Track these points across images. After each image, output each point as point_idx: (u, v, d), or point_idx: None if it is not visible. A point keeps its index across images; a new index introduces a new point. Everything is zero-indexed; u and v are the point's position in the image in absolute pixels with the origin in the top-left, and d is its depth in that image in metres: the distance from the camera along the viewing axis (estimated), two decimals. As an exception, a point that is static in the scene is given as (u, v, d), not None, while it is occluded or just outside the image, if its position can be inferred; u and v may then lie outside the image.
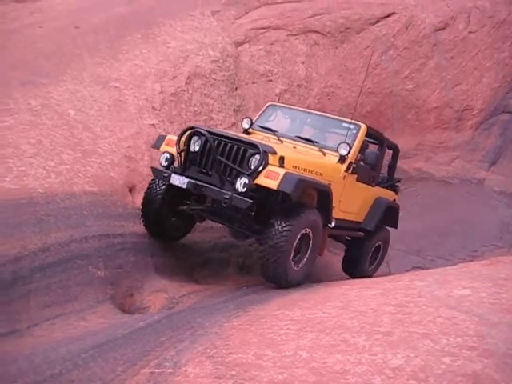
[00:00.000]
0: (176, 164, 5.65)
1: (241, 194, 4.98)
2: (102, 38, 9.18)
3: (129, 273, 5.20)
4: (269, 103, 7.27)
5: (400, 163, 8.94)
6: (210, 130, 5.53)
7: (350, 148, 6.05)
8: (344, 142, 6.06)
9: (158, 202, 5.79)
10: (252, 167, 5.11)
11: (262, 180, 5.02)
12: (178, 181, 5.30)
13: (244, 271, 6.92)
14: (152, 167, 5.78)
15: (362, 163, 6.48)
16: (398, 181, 8.01)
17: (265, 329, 3.71)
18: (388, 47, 11.38)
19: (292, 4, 11.47)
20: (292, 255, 5.19)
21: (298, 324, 3.71)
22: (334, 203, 5.83)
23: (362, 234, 7.02)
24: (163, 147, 5.76)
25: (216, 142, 5.34)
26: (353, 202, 6.55)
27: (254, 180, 5.01)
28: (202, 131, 5.38)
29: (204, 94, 8.65)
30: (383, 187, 7.47)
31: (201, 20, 10.18)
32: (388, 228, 7.64)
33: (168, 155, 5.60)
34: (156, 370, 3.24)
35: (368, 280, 5.82)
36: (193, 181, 5.25)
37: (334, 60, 10.89)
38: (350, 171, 6.17)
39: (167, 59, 8.63)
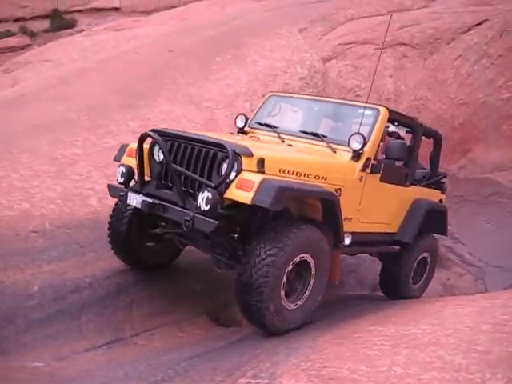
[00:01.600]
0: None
1: (205, 213, 3.78)
2: (194, 59, 9.59)
3: (224, 287, 5.35)
4: (270, 93, 6.00)
5: (494, 175, 8.61)
6: (170, 132, 4.42)
7: (365, 140, 4.63)
8: (357, 133, 4.64)
9: (124, 226, 4.76)
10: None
11: (232, 192, 3.82)
12: (135, 200, 4.25)
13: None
14: (108, 185, 4.70)
15: (385, 158, 5.16)
16: (444, 176, 6.59)
17: (359, 344, 3.71)
18: (480, 56, 11.03)
19: (379, 17, 11.43)
20: (283, 291, 3.97)
21: (392, 340, 3.68)
22: (349, 214, 4.68)
23: (398, 247, 5.64)
24: (124, 159, 4.63)
25: (179, 145, 4.25)
26: (379, 209, 5.22)
27: (224, 193, 3.84)
28: (151, 134, 4.24)
29: (293, 110, 8.78)
30: (424, 186, 6.07)
31: (288, 38, 10.39)
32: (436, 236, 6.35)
33: (124, 169, 4.46)
34: (252, 381, 3.33)
35: (463, 297, 5.63)
36: (149, 199, 4.17)
37: (423, 72, 10.71)
38: (368, 170, 4.80)
39: (256, 78, 8.88)
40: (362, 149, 4.67)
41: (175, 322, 4.73)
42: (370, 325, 4.20)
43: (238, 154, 3.90)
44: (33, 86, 10.36)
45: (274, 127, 5.33)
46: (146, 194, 4.27)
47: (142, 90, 8.62)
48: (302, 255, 4.04)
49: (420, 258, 6.00)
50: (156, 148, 4.40)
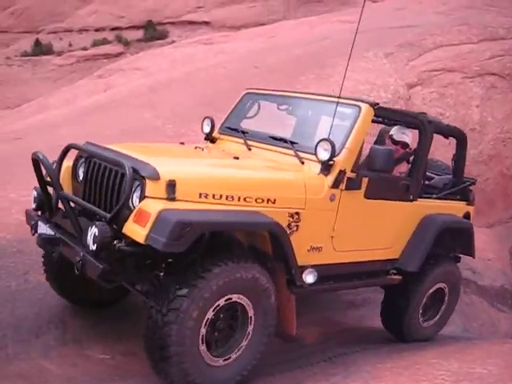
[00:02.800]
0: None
1: (92, 253, 3.04)
2: (278, 77, 9.74)
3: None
4: (245, 91, 4.97)
5: None
6: (80, 146, 3.64)
7: (334, 147, 3.66)
8: (324, 139, 3.72)
9: (57, 254, 3.87)
10: (132, 203, 3.14)
11: (128, 227, 3.04)
12: (45, 231, 3.51)
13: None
14: (26, 210, 3.90)
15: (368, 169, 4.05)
16: (471, 183, 5.33)
17: (419, 375, 3.65)
18: None
19: (469, 45, 11.18)
20: (203, 346, 3.15)
21: (454, 376, 3.60)
22: (317, 242, 3.82)
23: (399, 278, 4.56)
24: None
25: (94, 163, 3.52)
26: (366, 232, 4.24)
27: (122, 226, 3.06)
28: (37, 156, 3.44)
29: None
30: (444, 197, 4.93)
31: (374, 61, 10.35)
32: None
33: (36, 192, 3.68)
34: (309, 400, 3.37)
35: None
36: (50, 232, 3.46)
37: (512, 104, 10.37)
38: (343, 186, 3.85)
39: (338, 99, 8.90)
40: (331, 159, 3.73)
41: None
42: (432, 358, 4.12)
43: (143, 177, 3.10)
44: (123, 92, 10.90)
45: (244, 132, 4.43)
46: (54, 224, 3.55)
47: (225, 104, 8.85)
48: (229, 297, 3.20)
49: (433, 289, 4.90)
50: (79, 165, 3.75)
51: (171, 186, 3.09)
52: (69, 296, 4.16)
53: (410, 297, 4.71)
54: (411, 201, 4.55)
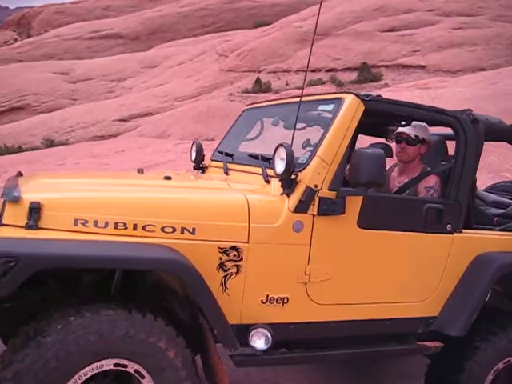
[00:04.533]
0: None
1: None
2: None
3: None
4: (244, 108, 4.18)
5: None
6: None
7: (290, 155, 2.71)
8: (281, 145, 2.79)
9: None
10: None
11: None
12: None
13: None
14: None
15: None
16: None
17: None
18: None
19: None
20: None
21: None
22: (276, 291, 2.83)
23: (438, 345, 3.26)
24: None
25: None
26: (373, 278, 3.09)
27: None
28: None
29: None
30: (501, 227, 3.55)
31: None
32: None
33: None
34: None
35: None
36: None
37: None
38: (315, 210, 2.82)
39: None
40: (289, 171, 2.75)
41: None
42: None
43: (5, 201, 2.53)
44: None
45: (229, 155, 3.67)
46: None
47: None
48: (101, 363, 2.38)
49: (502, 363, 3.33)
50: None
51: (33, 210, 2.44)
52: None
53: (460, 375, 3.28)
54: (450, 233, 3.24)
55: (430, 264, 3.26)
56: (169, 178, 3.09)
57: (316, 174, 2.84)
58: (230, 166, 3.54)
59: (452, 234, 3.25)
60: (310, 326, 2.95)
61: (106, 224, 2.52)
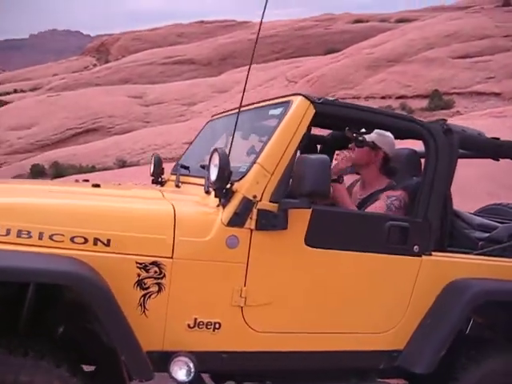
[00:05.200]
0: None
1: None
2: None
3: None
4: (209, 119, 3.90)
5: None
6: None
7: (224, 161, 2.43)
8: (215, 150, 2.52)
9: None
10: None
11: None
12: None
13: None
14: None
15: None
16: None
17: None
18: None
19: None
20: None
21: None
22: (210, 314, 2.53)
23: (403, 382, 3.05)
24: None
25: None
26: (323, 304, 2.75)
27: None
28: None
29: None
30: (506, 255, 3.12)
31: None
32: None
33: None
34: None
35: None
36: None
37: None
38: (253, 224, 2.54)
39: None
40: (222, 179, 2.47)
41: None
42: None
43: None
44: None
45: (185, 167, 3.38)
46: None
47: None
48: None
49: None
50: None
51: None
52: None
53: None
54: (418, 255, 2.87)
55: (393, 290, 2.88)
56: (97, 186, 2.85)
57: (255, 184, 2.55)
58: (185, 178, 3.25)
59: (420, 256, 2.88)
60: (248, 356, 2.60)
61: (8, 232, 2.25)
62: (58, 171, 25.39)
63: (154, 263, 2.40)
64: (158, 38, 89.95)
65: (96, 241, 2.36)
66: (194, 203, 2.71)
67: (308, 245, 2.65)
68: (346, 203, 3.07)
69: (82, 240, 2.33)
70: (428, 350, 2.82)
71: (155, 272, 2.41)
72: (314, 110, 2.72)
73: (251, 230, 2.55)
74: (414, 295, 2.91)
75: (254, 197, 2.55)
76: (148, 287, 2.40)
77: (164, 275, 2.42)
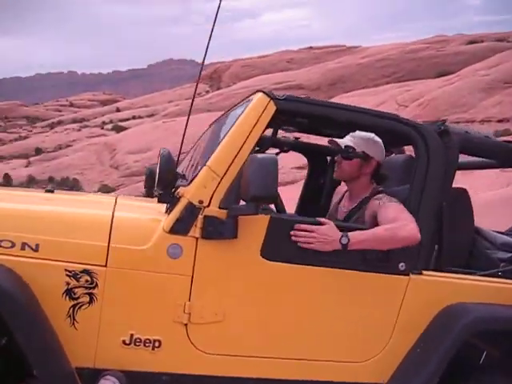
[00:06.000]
0: None
1: None
2: None
3: None
4: (212, 121, 3.68)
5: None
6: None
7: (165, 166, 2.35)
8: (163, 150, 2.41)
9: None
10: None
11: None
12: None
13: None
14: None
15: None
16: None
17: None
18: None
19: None
20: None
21: None
22: (148, 330, 2.31)
23: None
24: None
25: None
26: (286, 326, 2.45)
27: None
28: None
29: None
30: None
31: None
32: None
33: None
34: None
35: None
36: None
37: None
38: (197, 232, 2.34)
39: None
40: (165, 184, 2.37)
41: None
42: None
43: None
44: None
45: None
46: None
47: None
48: None
49: None
50: None
51: None
52: None
53: None
54: (404, 273, 2.52)
55: (372, 313, 2.50)
56: (50, 192, 2.75)
57: (202, 188, 2.35)
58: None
59: (407, 275, 2.53)
60: (192, 380, 2.33)
61: None
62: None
63: (85, 271, 2.24)
64: (268, 65, 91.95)
65: (24, 245, 2.23)
66: (145, 211, 2.56)
67: (264, 257, 2.40)
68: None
69: (9, 244, 2.22)
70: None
71: (86, 281, 2.24)
72: (275, 107, 2.52)
73: (197, 239, 2.35)
74: (399, 320, 2.53)
75: (201, 202, 2.35)
76: (78, 297, 2.25)
77: (96, 285, 2.26)
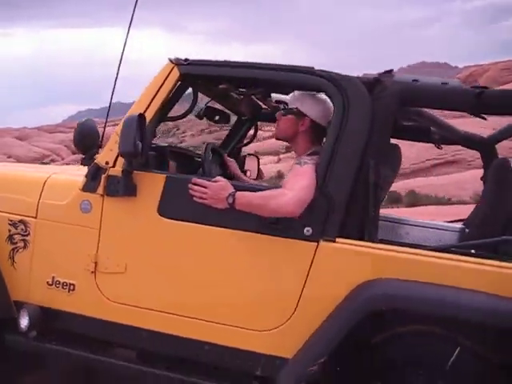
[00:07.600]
0: None
1: None
2: None
3: None
4: None
5: None
6: None
7: (80, 133, 2.74)
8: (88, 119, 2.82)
9: None
10: None
11: None
12: None
13: None
14: None
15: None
16: None
17: None
18: None
19: None
20: None
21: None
22: (66, 274, 2.65)
23: None
24: None
25: None
26: (184, 284, 2.48)
27: None
28: None
29: None
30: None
31: None
32: None
33: None
34: None
35: None
36: None
37: None
38: (100, 189, 2.59)
39: None
40: (83, 150, 2.74)
41: None
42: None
43: None
44: None
45: None
46: None
47: None
48: None
49: None
50: None
51: None
52: None
53: None
54: (312, 239, 2.32)
55: (275, 280, 2.39)
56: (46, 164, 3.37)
57: (108, 151, 2.65)
58: None
59: (316, 241, 2.33)
60: (102, 325, 2.61)
61: None
62: (413, 200, 26.08)
63: (21, 221, 2.76)
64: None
65: None
66: (78, 173, 2.87)
67: (161, 214, 2.56)
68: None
69: None
70: (302, 362, 2.25)
71: (22, 229, 2.76)
72: (179, 73, 2.63)
73: (103, 196, 2.63)
74: (306, 291, 2.35)
75: (107, 163, 2.64)
76: (16, 242, 2.76)
77: (29, 233, 2.76)
